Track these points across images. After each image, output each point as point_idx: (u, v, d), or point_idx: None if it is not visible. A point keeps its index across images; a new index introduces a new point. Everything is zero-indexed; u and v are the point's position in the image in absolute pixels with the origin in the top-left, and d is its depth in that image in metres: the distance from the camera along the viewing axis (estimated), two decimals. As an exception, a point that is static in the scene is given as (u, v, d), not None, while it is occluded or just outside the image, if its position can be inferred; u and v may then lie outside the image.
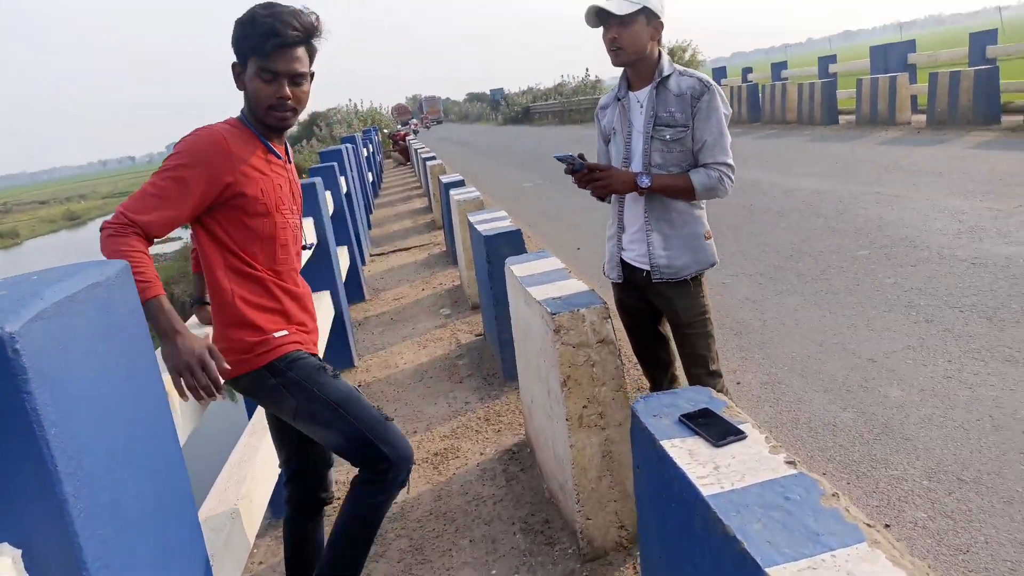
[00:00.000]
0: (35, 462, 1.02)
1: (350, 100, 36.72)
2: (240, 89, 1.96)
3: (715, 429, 1.38)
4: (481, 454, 3.32)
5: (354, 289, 6.44)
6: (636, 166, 2.35)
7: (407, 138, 24.12)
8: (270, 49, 1.86)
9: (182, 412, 1.74)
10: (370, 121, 32.53)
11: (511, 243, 3.95)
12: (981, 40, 12.76)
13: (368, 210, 11.45)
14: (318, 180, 4.72)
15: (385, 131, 31.23)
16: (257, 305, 1.94)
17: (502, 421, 3.62)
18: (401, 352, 4.99)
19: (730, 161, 2.30)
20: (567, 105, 35.12)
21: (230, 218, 1.90)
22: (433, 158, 11.58)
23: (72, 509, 1.05)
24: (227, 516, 2.02)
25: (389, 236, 10.01)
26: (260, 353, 1.92)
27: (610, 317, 2.33)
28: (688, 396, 1.57)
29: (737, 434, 1.35)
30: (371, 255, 8.76)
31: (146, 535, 1.26)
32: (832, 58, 17.03)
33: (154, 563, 1.28)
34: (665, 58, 2.32)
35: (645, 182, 2.27)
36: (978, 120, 10.51)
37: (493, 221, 4.36)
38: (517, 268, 2.98)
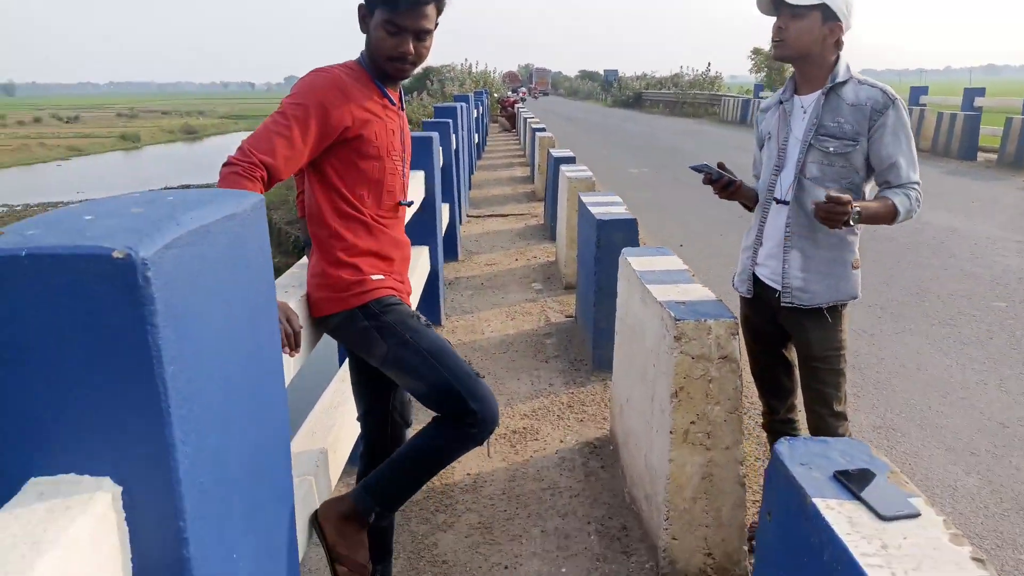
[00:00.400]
0: (148, 400, 0.92)
1: (465, 60, 36.78)
2: (363, 32, 1.91)
3: (881, 498, 1.18)
4: (561, 442, 3.20)
5: (450, 248, 6.38)
6: (788, 176, 2.12)
7: (516, 105, 23.95)
8: (402, 6, 1.81)
9: (291, 357, 1.66)
10: (482, 83, 32.52)
11: (625, 232, 3.77)
12: None
13: (471, 171, 11.40)
14: (434, 134, 4.64)
15: (495, 95, 31.16)
16: (358, 247, 1.90)
17: (586, 411, 3.47)
18: (488, 320, 4.90)
19: (920, 180, 2.06)
20: (682, 97, 34.15)
21: (343, 160, 1.86)
22: (543, 129, 11.39)
23: (179, 454, 0.96)
24: (314, 462, 1.95)
25: (488, 200, 9.94)
26: (356, 293, 1.88)
27: (737, 334, 2.13)
28: (842, 448, 1.37)
29: (909, 510, 1.15)
30: (468, 216, 8.70)
31: (243, 485, 1.18)
32: (980, 91, 15.81)
33: (246, 514, 1.20)
34: (843, 63, 2.08)
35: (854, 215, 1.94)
36: None
37: (607, 206, 4.18)
38: (635, 261, 2.80)
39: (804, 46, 2.03)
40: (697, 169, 2.18)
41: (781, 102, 2.19)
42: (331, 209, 1.89)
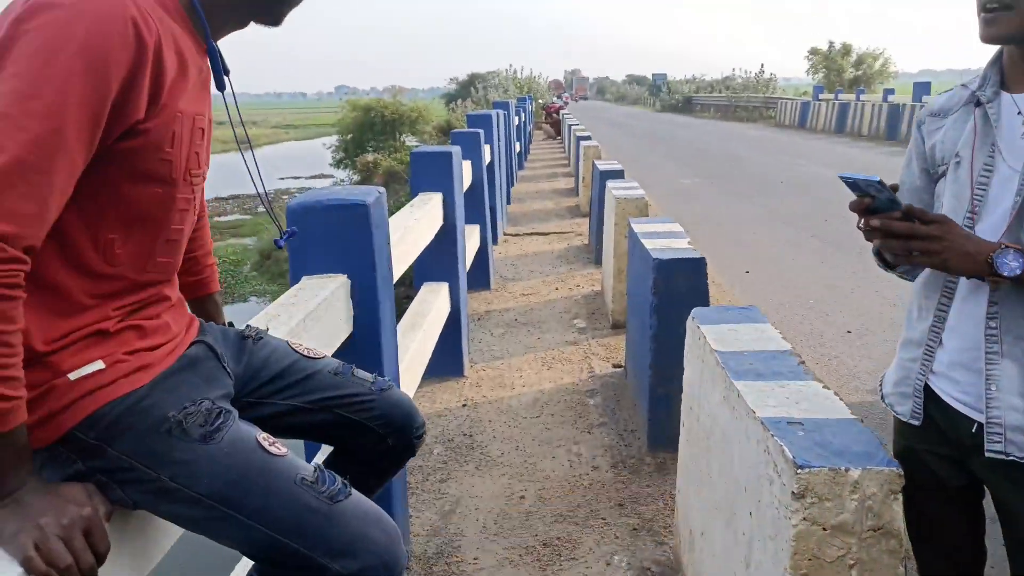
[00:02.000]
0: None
1: (510, 65, 36.25)
2: None
3: None
4: (607, 563, 2.39)
5: (480, 276, 5.63)
6: (993, 230, 1.23)
7: (561, 112, 23.18)
8: None
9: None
10: (526, 89, 31.87)
11: (690, 275, 2.95)
12: None
13: (510, 182, 10.66)
14: (454, 149, 3.88)
15: (540, 102, 30.50)
16: (72, 321, 0.99)
17: (640, 515, 2.66)
18: (520, 369, 4.11)
19: None
20: (734, 100, 33.00)
21: (104, 176, 0.97)
22: (588, 138, 10.59)
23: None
24: None
25: (528, 216, 9.17)
26: (46, 416, 0.96)
27: (899, 493, 1.30)
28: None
29: None
30: (505, 234, 7.94)
31: None
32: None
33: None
34: None
35: (1015, 268, 1.18)
36: None
37: (666, 237, 3.36)
38: (713, 334, 1.98)
39: None
40: (851, 183, 1.27)
41: (978, 103, 1.32)
42: (54, 253, 0.96)
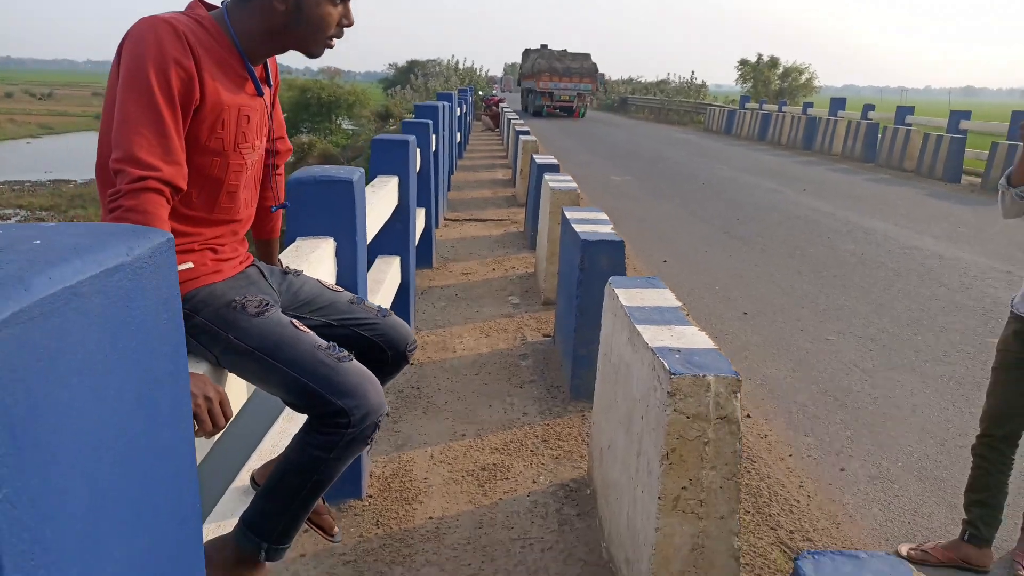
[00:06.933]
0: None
1: (452, 56, 36.49)
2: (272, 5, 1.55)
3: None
4: (534, 482, 2.95)
5: (424, 255, 6.11)
6: None
7: (500, 104, 23.69)
8: None
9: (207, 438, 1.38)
10: (467, 80, 32.20)
11: (611, 255, 3.53)
12: None
13: (451, 171, 11.11)
14: (411, 138, 4.36)
15: (480, 93, 30.91)
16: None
17: (561, 447, 3.23)
18: (461, 336, 4.63)
19: None
20: (667, 104, 34.14)
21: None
22: (527, 133, 11.15)
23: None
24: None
25: (466, 203, 9.67)
26: None
27: (739, 391, 1.89)
28: (876, 568, 1.13)
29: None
30: (446, 219, 8.42)
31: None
32: (966, 114, 15.84)
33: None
34: None
35: None
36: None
37: (593, 223, 3.93)
38: (624, 294, 2.56)
39: None
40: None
41: None
42: None
